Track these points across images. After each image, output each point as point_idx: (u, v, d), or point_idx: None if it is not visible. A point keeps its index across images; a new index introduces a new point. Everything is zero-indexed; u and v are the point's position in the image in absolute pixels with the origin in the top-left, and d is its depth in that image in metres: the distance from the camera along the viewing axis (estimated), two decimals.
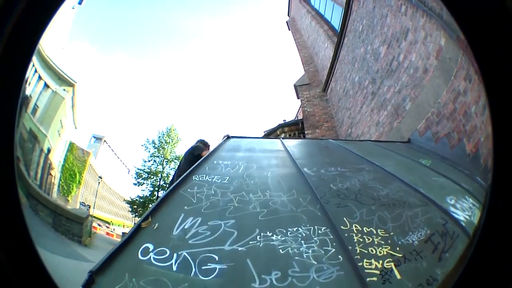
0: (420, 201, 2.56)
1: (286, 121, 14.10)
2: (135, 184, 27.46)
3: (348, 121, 9.47)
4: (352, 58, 9.40)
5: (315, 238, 2.08)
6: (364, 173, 3.35)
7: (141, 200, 25.40)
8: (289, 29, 18.07)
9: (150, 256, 1.99)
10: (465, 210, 2.37)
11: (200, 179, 3.14)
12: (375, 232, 2.12)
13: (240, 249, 2.05)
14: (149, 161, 28.45)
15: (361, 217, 2.35)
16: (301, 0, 16.31)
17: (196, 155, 5.48)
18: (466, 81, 4.03)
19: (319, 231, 2.16)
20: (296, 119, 14.75)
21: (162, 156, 28.53)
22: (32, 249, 0.99)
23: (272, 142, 5.56)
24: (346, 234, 2.10)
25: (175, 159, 26.94)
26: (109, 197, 27.15)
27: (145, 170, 27.89)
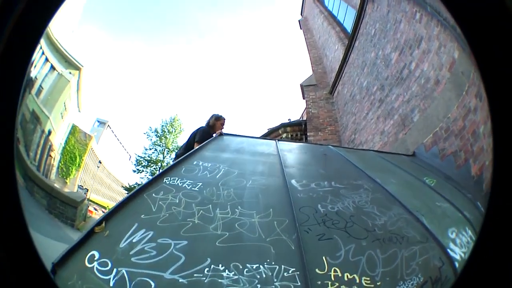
0: (421, 236, 2.14)
1: (291, 120, 13.65)
2: (134, 171, 27.39)
3: (353, 127, 9.05)
4: (362, 62, 8.97)
5: (277, 283, 1.63)
6: (361, 192, 2.90)
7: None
8: (300, 28, 17.57)
9: (94, 265, 1.83)
10: (463, 246, 2.07)
11: (171, 182, 2.69)
12: (357, 280, 1.68)
13: (180, 280, 1.70)
14: (150, 149, 28.26)
15: (346, 257, 1.87)
16: (315, 0, 15.82)
17: (196, 141, 5.05)
18: (477, 99, 3.73)
19: (285, 273, 1.69)
20: (300, 119, 14.29)
21: (164, 145, 28.31)
22: (32, 248, 0.96)
23: (266, 144, 4.95)
24: (319, 282, 1.65)
25: (176, 149, 26.66)
26: (107, 182, 27.02)
27: (145, 158, 27.73)
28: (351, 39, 9.75)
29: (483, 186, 3.02)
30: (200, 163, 3.18)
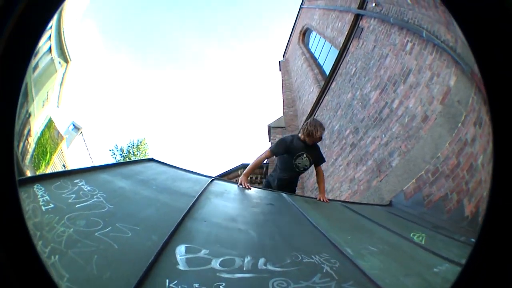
0: None
1: None
2: None
3: None
4: (336, 104, 8.21)
5: None
6: (316, 283, 1.53)
7: None
8: (280, 70, 17.31)
9: None
10: None
11: (35, 191, 1.83)
12: None
13: None
14: None
15: None
16: (300, 42, 15.71)
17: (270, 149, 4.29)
18: (475, 127, 3.18)
19: None
20: (265, 162, 13.24)
21: None
22: (31, 247, 0.93)
23: (196, 181, 3.48)
24: None
25: None
26: None
27: None
28: (328, 80, 9.11)
29: (478, 220, 2.64)
30: (81, 183, 2.19)
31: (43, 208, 1.61)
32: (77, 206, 1.75)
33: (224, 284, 1.34)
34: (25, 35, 0.94)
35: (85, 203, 1.81)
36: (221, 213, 2.52)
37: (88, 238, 1.44)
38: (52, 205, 1.66)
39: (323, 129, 4.16)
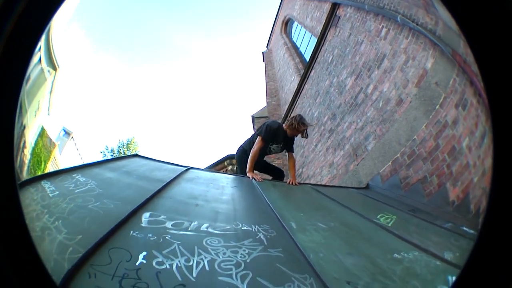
0: None
1: None
2: None
3: (300, 160, 8.11)
4: (315, 92, 8.30)
5: None
6: (245, 245, 1.85)
7: None
8: (263, 60, 17.25)
9: None
10: None
11: (43, 184, 2.32)
12: None
13: None
14: None
15: None
16: (282, 32, 15.67)
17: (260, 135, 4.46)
18: (458, 108, 3.04)
19: None
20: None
21: None
22: (30, 242, 0.95)
23: (171, 170, 3.81)
24: None
25: None
26: None
27: None
28: (307, 68, 9.19)
29: (470, 207, 2.43)
30: (78, 176, 2.73)
31: (50, 195, 2.10)
32: (76, 191, 2.26)
33: (169, 236, 1.76)
34: (25, 36, 0.95)
35: (81, 189, 2.32)
36: (186, 193, 2.90)
37: (83, 209, 1.94)
38: (57, 192, 2.15)
39: (306, 127, 4.46)
